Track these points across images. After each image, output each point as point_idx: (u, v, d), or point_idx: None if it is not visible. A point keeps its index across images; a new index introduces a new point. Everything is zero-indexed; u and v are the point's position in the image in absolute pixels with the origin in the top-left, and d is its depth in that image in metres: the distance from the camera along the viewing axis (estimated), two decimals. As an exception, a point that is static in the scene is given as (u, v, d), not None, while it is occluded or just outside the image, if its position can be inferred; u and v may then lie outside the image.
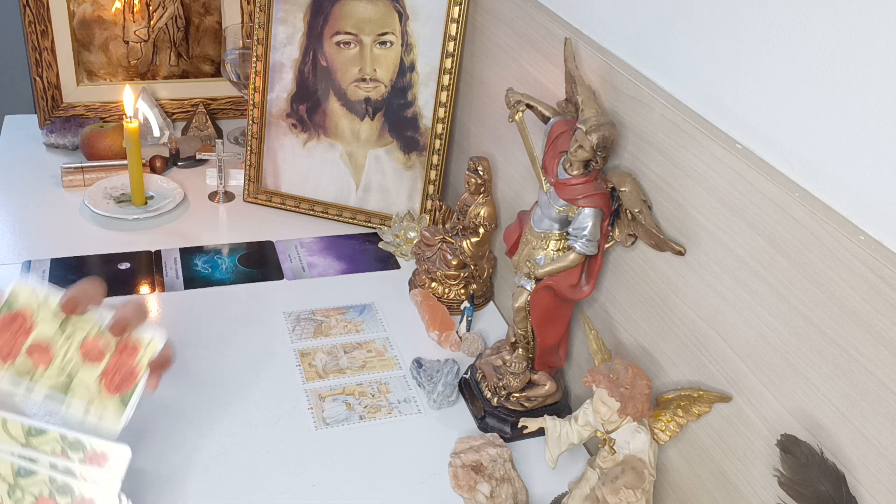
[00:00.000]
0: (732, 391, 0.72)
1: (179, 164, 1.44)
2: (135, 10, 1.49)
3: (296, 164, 1.33)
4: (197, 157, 1.41)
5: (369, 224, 1.32)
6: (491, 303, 1.20)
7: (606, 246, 0.85)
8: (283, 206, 1.35)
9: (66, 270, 1.16)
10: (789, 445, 0.62)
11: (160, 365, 0.75)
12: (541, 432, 0.85)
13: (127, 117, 1.26)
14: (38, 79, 1.46)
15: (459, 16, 1.20)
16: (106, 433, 0.71)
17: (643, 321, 0.84)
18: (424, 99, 1.26)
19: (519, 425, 0.86)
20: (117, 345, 0.73)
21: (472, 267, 1.14)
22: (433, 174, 1.28)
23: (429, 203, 1.29)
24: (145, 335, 0.74)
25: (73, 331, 0.73)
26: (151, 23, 1.51)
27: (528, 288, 0.89)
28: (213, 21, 1.55)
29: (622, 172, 0.83)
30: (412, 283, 1.19)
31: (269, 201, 1.35)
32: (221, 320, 1.09)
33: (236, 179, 1.39)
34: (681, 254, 0.76)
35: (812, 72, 0.62)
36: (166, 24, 1.52)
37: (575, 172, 0.82)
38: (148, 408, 0.93)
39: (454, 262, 1.13)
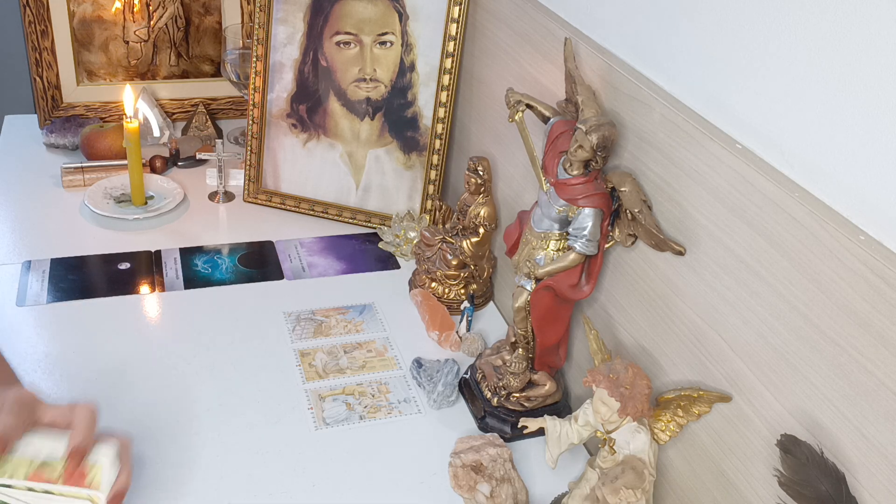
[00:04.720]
0: (732, 391, 0.72)
1: (179, 164, 1.44)
2: (135, 10, 1.49)
3: (296, 164, 1.33)
4: (197, 157, 1.41)
5: (369, 224, 1.32)
6: (491, 303, 1.20)
7: (606, 246, 0.85)
8: (283, 206, 1.35)
9: (67, 270, 1.16)
10: (789, 445, 0.62)
11: (118, 496, 0.68)
12: (541, 432, 0.85)
13: (127, 117, 1.26)
14: (38, 79, 1.46)
15: (459, 16, 1.20)
16: None
17: (643, 321, 0.84)
18: (424, 99, 1.26)
19: (519, 425, 0.86)
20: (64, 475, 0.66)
21: (472, 267, 1.14)
22: (433, 174, 1.28)
23: (429, 203, 1.29)
24: (91, 461, 0.67)
25: (10, 471, 0.66)
26: (151, 23, 1.51)
27: (528, 288, 0.88)
28: (213, 21, 1.55)
29: (622, 172, 0.83)
30: (412, 283, 1.19)
31: (269, 201, 1.35)
32: (221, 320, 1.09)
33: (236, 179, 1.40)
34: (681, 254, 0.76)
35: (812, 71, 0.62)
36: (166, 24, 1.52)
37: (575, 172, 0.82)
38: (148, 408, 0.94)
39: (454, 262, 1.13)
